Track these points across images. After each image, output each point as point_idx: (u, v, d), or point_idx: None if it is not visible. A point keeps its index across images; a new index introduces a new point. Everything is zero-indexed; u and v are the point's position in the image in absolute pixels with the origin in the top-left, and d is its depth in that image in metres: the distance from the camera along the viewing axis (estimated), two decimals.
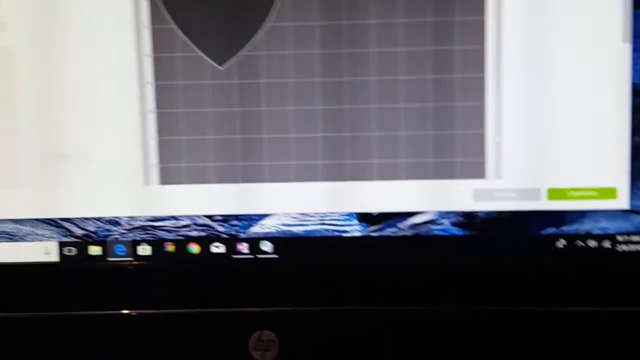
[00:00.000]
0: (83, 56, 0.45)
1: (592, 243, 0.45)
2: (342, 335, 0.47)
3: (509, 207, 0.45)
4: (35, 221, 0.47)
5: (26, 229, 0.47)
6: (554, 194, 0.45)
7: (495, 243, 0.46)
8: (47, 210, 0.47)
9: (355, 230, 0.47)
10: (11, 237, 0.47)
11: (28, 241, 0.47)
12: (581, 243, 0.45)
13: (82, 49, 0.45)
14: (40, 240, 0.47)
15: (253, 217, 0.47)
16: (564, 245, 0.45)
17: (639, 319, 0.45)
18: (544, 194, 0.45)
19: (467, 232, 0.46)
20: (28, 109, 0.46)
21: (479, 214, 0.46)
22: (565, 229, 0.45)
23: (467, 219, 0.46)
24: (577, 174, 0.44)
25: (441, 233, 0.46)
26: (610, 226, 0.45)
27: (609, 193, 0.44)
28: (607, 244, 0.45)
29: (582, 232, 0.45)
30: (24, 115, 0.46)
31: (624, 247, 0.45)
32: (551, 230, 0.45)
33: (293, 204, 0.46)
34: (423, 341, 0.47)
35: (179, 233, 0.47)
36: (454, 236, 0.46)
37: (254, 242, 0.47)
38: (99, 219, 0.47)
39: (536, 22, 0.44)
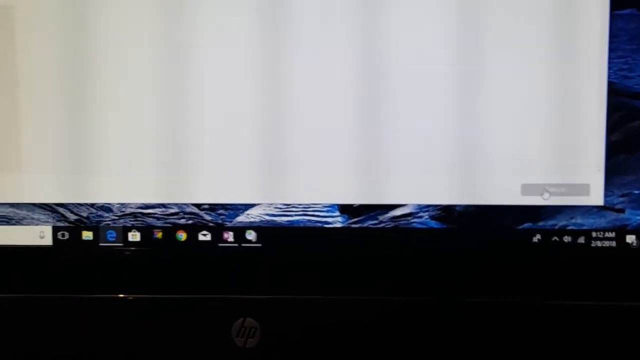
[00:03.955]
0: None
1: (567, 238, 0.46)
2: (322, 324, 0.49)
3: (486, 201, 0.46)
4: (31, 206, 0.49)
5: (22, 213, 0.49)
6: (529, 189, 0.46)
7: (472, 237, 0.47)
8: (44, 195, 0.49)
9: (337, 221, 0.48)
10: (8, 220, 0.49)
11: (24, 225, 0.49)
12: (556, 238, 0.46)
13: None
14: (36, 225, 0.49)
15: (239, 206, 0.48)
16: (539, 240, 0.46)
17: (612, 313, 0.46)
18: (518, 189, 0.46)
19: (444, 226, 0.47)
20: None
21: (457, 208, 0.47)
22: (541, 224, 0.46)
23: (445, 212, 0.47)
24: (551, 170, 0.45)
25: (420, 226, 0.47)
26: (585, 222, 0.46)
27: (583, 190, 0.45)
28: (581, 239, 0.46)
29: (558, 228, 0.46)
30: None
31: (598, 243, 0.46)
32: (527, 225, 0.46)
33: (278, 194, 0.48)
34: (401, 332, 0.48)
35: (168, 220, 0.49)
36: (432, 229, 0.47)
37: (239, 231, 0.49)
38: (92, 205, 0.49)
39: (515, 22, 0.45)
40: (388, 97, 0.46)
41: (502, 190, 0.46)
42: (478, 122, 0.46)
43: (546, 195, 0.46)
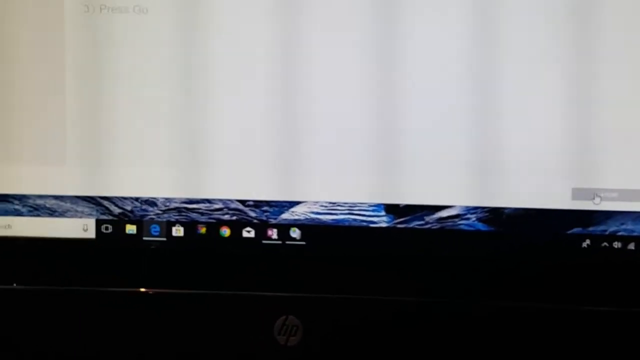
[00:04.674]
0: None
1: (617, 244, 0.46)
2: (364, 324, 0.48)
3: (536, 205, 0.46)
4: (75, 198, 0.49)
5: (66, 205, 0.49)
6: (580, 194, 0.45)
7: (520, 240, 0.46)
8: (88, 188, 0.49)
9: (382, 221, 0.48)
10: (52, 212, 0.49)
11: (67, 217, 0.49)
12: (606, 244, 0.46)
13: None
14: (80, 217, 0.49)
15: (284, 203, 0.48)
16: (588, 245, 0.46)
17: None
18: (568, 194, 0.46)
19: (492, 228, 0.47)
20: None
21: (505, 211, 0.46)
22: (591, 229, 0.46)
23: (493, 215, 0.47)
24: (603, 174, 0.45)
25: (467, 228, 0.47)
26: (635, 228, 0.45)
27: (635, 195, 0.45)
28: (631, 246, 0.46)
29: (608, 233, 0.46)
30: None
31: None
32: (577, 230, 0.46)
33: (327, 193, 0.48)
34: (442, 334, 0.48)
35: (212, 216, 0.49)
36: (479, 231, 0.47)
37: (283, 228, 0.49)
38: (136, 199, 0.49)
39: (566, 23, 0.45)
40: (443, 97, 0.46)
41: (553, 194, 0.45)
42: (529, 125, 0.45)
43: (597, 200, 0.45)
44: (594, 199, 0.45)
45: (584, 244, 0.46)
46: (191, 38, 0.47)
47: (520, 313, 0.47)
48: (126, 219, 0.49)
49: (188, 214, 0.49)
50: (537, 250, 0.46)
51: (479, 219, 0.47)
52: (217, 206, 0.49)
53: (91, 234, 0.49)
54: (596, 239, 0.46)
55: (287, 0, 0.46)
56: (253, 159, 0.48)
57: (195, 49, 0.47)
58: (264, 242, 0.49)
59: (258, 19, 0.46)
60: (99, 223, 0.49)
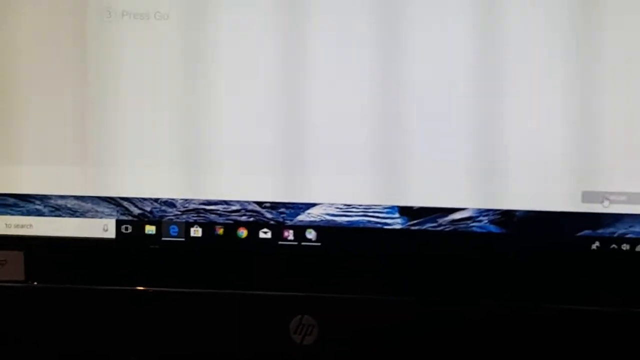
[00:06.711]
0: None
1: (626, 246, 0.47)
2: (379, 324, 0.49)
3: (546, 207, 0.47)
4: (96, 199, 0.50)
5: (87, 205, 0.50)
6: (590, 196, 0.47)
7: (531, 242, 0.48)
8: (108, 189, 0.50)
9: (396, 223, 0.49)
10: (73, 212, 0.50)
11: (88, 217, 0.50)
12: (615, 246, 0.47)
13: None
14: (100, 217, 0.50)
15: (300, 205, 0.49)
16: (598, 247, 0.47)
17: None
18: (578, 197, 0.47)
19: (503, 230, 0.48)
20: None
21: (517, 213, 0.48)
22: (600, 231, 0.47)
23: (505, 217, 0.48)
24: (612, 177, 0.46)
25: (479, 230, 0.48)
26: None
27: None
28: (639, 248, 0.47)
29: (616, 236, 0.47)
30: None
31: None
32: (586, 232, 0.47)
33: (341, 195, 0.49)
34: (456, 334, 0.49)
35: (229, 217, 0.50)
36: (490, 233, 0.48)
37: (299, 229, 0.50)
38: (155, 200, 0.50)
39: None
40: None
41: (563, 196, 0.47)
42: (539, 128, 0.46)
43: (606, 203, 0.47)
44: (603, 202, 0.47)
45: (594, 246, 0.47)
46: (212, 44, 0.48)
47: (530, 314, 0.48)
48: (145, 219, 0.50)
49: (206, 215, 0.50)
50: (547, 251, 0.48)
51: (490, 221, 0.48)
52: (234, 208, 0.50)
53: (111, 234, 0.50)
54: (605, 241, 0.47)
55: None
56: (269, 161, 0.49)
57: (213, 56, 0.48)
58: (280, 243, 0.50)
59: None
60: (119, 223, 0.50)
